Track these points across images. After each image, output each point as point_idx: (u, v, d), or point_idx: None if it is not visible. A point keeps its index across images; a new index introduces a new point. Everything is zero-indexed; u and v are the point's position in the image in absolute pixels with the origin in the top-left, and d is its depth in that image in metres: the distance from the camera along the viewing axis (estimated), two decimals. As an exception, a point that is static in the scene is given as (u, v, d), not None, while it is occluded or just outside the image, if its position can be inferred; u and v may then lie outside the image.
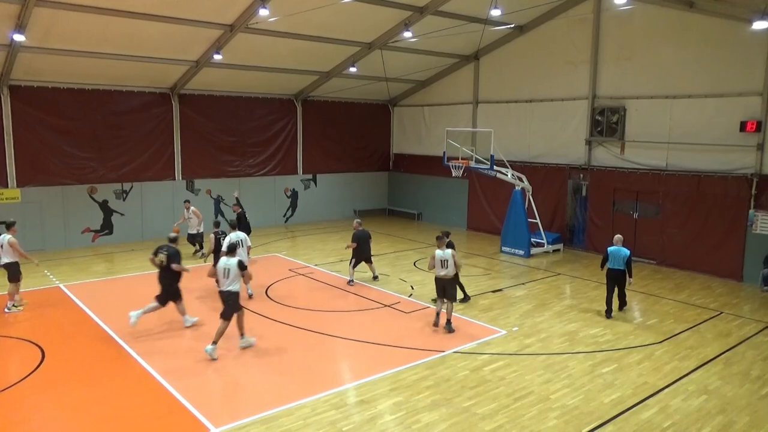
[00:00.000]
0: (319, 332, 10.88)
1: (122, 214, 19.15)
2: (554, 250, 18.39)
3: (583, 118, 18.34)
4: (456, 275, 11.37)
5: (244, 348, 10.00)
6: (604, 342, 10.67)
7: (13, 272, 11.91)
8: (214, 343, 9.66)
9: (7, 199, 16.78)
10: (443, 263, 10.97)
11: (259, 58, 18.42)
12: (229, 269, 9.71)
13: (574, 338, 10.82)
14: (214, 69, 18.10)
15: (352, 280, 14.34)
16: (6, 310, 11.84)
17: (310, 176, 23.69)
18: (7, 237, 11.90)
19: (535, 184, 18.59)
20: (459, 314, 11.75)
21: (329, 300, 13.07)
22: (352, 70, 19.51)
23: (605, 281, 12.34)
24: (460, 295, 12.35)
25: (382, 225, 22.73)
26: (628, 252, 12.01)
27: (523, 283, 14.72)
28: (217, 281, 12.34)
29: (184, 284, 11.11)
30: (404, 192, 25.34)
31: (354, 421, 7.62)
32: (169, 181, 19.95)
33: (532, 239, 17.82)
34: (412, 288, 14.02)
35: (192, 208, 16.86)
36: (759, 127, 14.44)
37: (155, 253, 10.74)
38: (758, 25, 12.19)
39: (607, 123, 17.56)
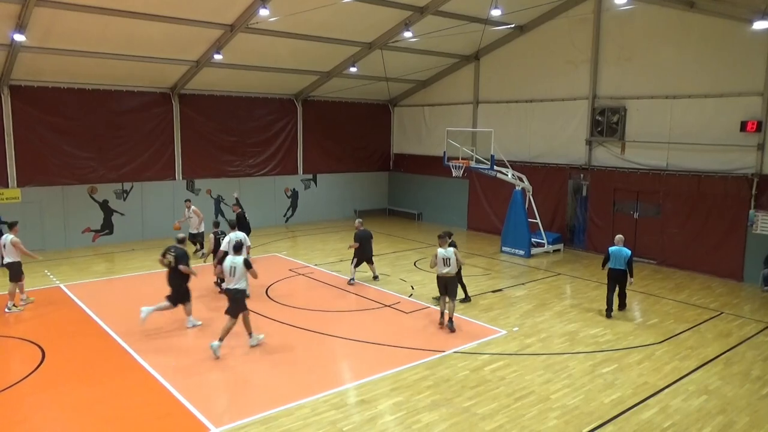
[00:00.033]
0: (320, 332, 10.88)
1: (122, 214, 19.16)
2: (554, 250, 18.38)
3: (583, 118, 18.34)
4: (458, 274, 11.43)
5: (254, 346, 10.03)
6: (605, 342, 10.67)
7: (15, 272, 11.96)
8: (220, 340, 9.72)
9: (7, 199, 16.79)
10: (445, 261, 11.01)
11: (260, 58, 18.43)
12: (235, 267, 9.81)
13: (574, 338, 10.82)
14: (214, 69, 18.11)
15: (353, 279, 14.35)
16: (6, 309, 11.85)
17: (310, 176, 23.69)
18: (9, 237, 11.97)
19: (536, 184, 18.59)
20: (459, 314, 11.74)
21: (329, 300, 13.07)
22: (353, 70, 19.51)
23: (606, 281, 12.35)
24: (460, 294, 12.35)
25: (383, 225, 22.73)
26: (629, 252, 12.02)
27: (523, 283, 14.72)
28: (216, 282, 12.33)
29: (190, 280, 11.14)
30: (404, 192, 25.34)
31: (354, 421, 7.62)
32: (170, 181, 19.96)
33: (532, 239, 17.82)
34: (413, 288, 14.02)
35: (192, 207, 16.83)
36: (759, 127, 14.43)
37: (164, 254, 10.80)
38: (758, 25, 12.18)
39: (607, 123, 17.56)
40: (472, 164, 17.69)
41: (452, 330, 10.96)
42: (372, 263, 14.57)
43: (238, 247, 10.26)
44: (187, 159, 20.23)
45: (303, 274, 15.23)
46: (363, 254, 14.28)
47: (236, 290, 9.85)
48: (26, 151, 17.18)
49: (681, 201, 16.14)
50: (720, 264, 15.39)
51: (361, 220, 15.07)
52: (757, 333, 11.32)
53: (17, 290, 12.19)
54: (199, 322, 11.19)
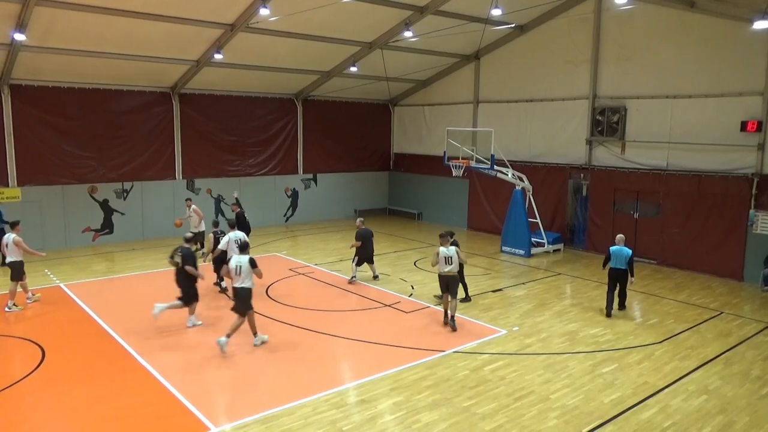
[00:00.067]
0: (320, 332, 10.89)
1: (123, 214, 19.16)
2: (555, 250, 18.38)
3: (583, 117, 18.34)
4: (460, 273, 11.48)
5: (256, 346, 10.05)
6: (605, 342, 10.68)
7: (17, 271, 12.00)
8: (228, 336, 9.80)
9: (7, 198, 16.79)
10: (447, 260, 11.04)
11: (260, 58, 18.42)
12: (240, 266, 9.89)
13: (574, 338, 10.82)
14: (214, 68, 18.10)
15: (355, 277, 14.37)
16: (6, 309, 11.85)
17: (310, 176, 23.69)
18: (12, 236, 12.02)
19: (536, 184, 18.59)
20: (459, 314, 11.73)
21: (329, 299, 13.07)
22: (353, 69, 19.50)
23: (606, 281, 12.36)
24: (461, 294, 12.36)
25: (383, 225, 22.72)
26: (630, 251, 12.03)
27: (523, 283, 14.72)
28: (217, 282, 12.33)
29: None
30: (405, 192, 25.34)
31: (354, 420, 7.63)
32: (170, 181, 19.96)
33: (532, 239, 17.82)
34: (413, 288, 14.03)
35: (193, 206, 16.86)
36: (760, 126, 14.43)
37: (172, 255, 10.85)
38: (759, 24, 12.17)
39: (607, 123, 17.56)
40: (473, 164, 17.69)
41: (454, 329, 10.98)
42: (372, 263, 14.57)
43: (244, 247, 10.33)
44: (187, 158, 20.24)
45: (303, 274, 15.23)
46: (364, 253, 14.29)
47: (242, 289, 9.94)
48: (26, 151, 17.19)
49: (681, 201, 16.13)
50: (720, 264, 15.39)
51: (362, 218, 15.08)
52: (757, 333, 11.32)
53: (21, 289, 12.23)
54: (200, 322, 11.19)
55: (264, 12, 13.90)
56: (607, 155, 17.90)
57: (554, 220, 19.29)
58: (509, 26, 18.99)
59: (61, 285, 13.90)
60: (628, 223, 17.13)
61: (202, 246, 16.49)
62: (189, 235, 11.73)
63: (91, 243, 18.59)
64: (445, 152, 18.33)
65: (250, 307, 10.06)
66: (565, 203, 19.27)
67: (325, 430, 7.36)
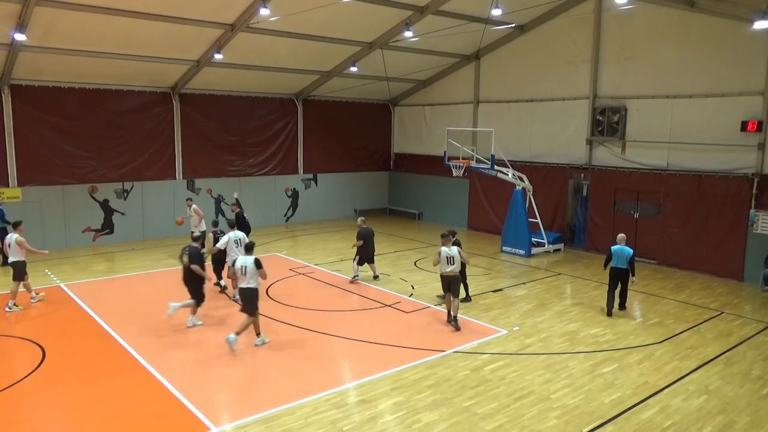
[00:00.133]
0: (320, 332, 10.88)
1: (123, 214, 19.16)
2: (555, 250, 18.38)
3: (583, 117, 18.34)
4: (462, 273, 11.48)
5: (258, 345, 10.08)
6: (605, 342, 10.67)
7: (19, 271, 12.04)
8: (237, 333, 9.87)
9: (7, 198, 16.78)
10: (449, 260, 11.05)
11: (260, 58, 18.43)
12: (246, 267, 9.93)
13: (574, 338, 10.82)
14: (214, 68, 18.11)
15: (357, 276, 14.39)
16: (7, 309, 11.86)
17: (310, 176, 23.69)
18: (14, 236, 12.05)
19: (536, 184, 18.59)
20: (460, 313, 11.71)
21: (330, 299, 13.07)
22: (353, 69, 19.50)
23: (607, 281, 12.37)
24: (462, 294, 12.35)
25: (383, 224, 22.71)
26: (631, 251, 12.04)
27: (523, 283, 14.72)
28: (217, 282, 12.30)
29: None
30: (405, 192, 25.34)
31: (354, 420, 7.63)
32: (170, 181, 19.96)
33: (532, 239, 17.81)
34: (413, 288, 14.02)
35: (194, 206, 16.87)
36: (760, 126, 14.43)
37: (181, 255, 10.96)
38: (759, 24, 12.16)
39: (607, 123, 17.56)
40: (473, 164, 17.69)
41: (457, 328, 11.00)
42: (373, 262, 14.58)
43: (249, 247, 10.37)
44: (187, 158, 20.24)
45: (303, 274, 15.23)
46: (365, 252, 14.30)
47: (248, 289, 9.99)
48: (27, 151, 17.19)
49: (681, 201, 16.13)
50: (720, 264, 15.38)
51: (363, 218, 15.09)
52: (758, 333, 11.31)
53: (24, 289, 12.27)
54: (200, 322, 11.19)
55: (264, 12, 13.90)
56: (607, 155, 17.90)
57: (554, 220, 19.29)
58: (509, 26, 18.98)
59: (62, 285, 13.90)
60: (629, 223, 17.13)
61: (203, 246, 16.50)
62: (197, 234, 11.84)
63: (91, 243, 18.60)
64: (445, 152, 18.33)
65: (256, 308, 10.10)
66: (565, 203, 19.27)
67: (325, 430, 7.36)
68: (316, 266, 16.07)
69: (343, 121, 24.09)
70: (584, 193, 18.74)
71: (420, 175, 24.33)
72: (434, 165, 22.11)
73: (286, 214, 23.17)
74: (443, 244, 11.25)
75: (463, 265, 11.66)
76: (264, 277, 10.02)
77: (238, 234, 12.54)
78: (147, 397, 8.28)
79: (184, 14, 14.68)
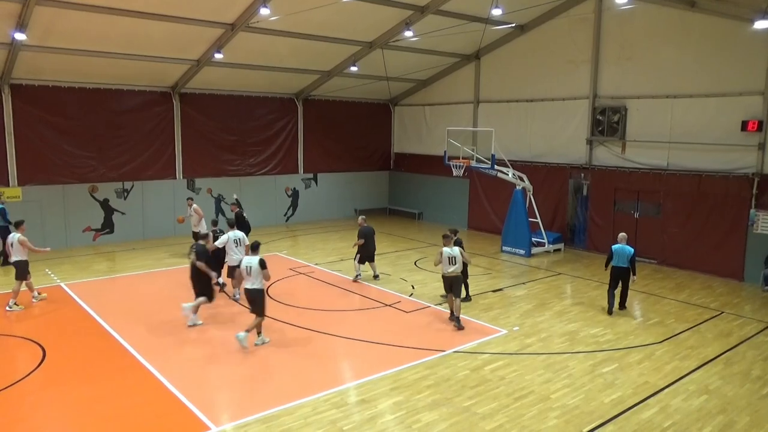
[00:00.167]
0: (320, 331, 10.89)
1: (123, 213, 19.17)
2: (555, 250, 18.38)
3: (584, 117, 18.33)
4: (464, 273, 11.48)
5: (258, 345, 10.08)
6: (605, 342, 10.67)
7: (22, 270, 12.08)
8: (247, 332, 9.94)
9: (8, 197, 16.78)
10: (451, 260, 11.05)
11: (260, 57, 18.42)
12: (251, 267, 9.96)
13: (574, 338, 10.82)
14: (215, 68, 18.11)
15: (359, 275, 14.40)
16: (7, 308, 11.87)
17: (310, 175, 23.69)
18: (17, 236, 12.09)
19: (536, 184, 18.58)
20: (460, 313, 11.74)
21: (330, 299, 13.08)
22: (353, 69, 19.50)
23: (608, 281, 12.38)
24: (462, 293, 12.36)
25: (383, 224, 22.71)
26: (632, 250, 12.05)
27: (523, 283, 14.72)
28: (216, 282, 12.29)
29: (188, 281, 11.19)
30: (405, 191, 25.33)
31: (354, 420, 7.63)
32: (170, 180, 19.97)
33: (532, 239, 17.81)
34: (413, 287, 14.03)
35: (194, 205, 16.91)
36: (760, 126, 14.42)
37: (189, 253, 11.06)
38: (759, 24, 12.16)
39: (608, 122, 17.56)
40: (473, 164, 17.69)
41: (460, 327, 11.00)
42: (373, 261, 14.58)
43: (255, 247, 10.39)
44: (187, 158, 20.24)
45: (303, 274, 15.23)
46: (366, 251, 14.30)
47: (253, 290, 10.02)
48: (27, 150, 17.19)
49: (682, 200, 16.13)
50: (721, 264, 15.38)
51: (364, 216, 15.09)
52: (758, 333, 11.31)
53: (26, 288, 12.30)
54: (200, 322, 11.19)
55: (264, 12, 13.90)
56: (607, 155, 17.90)
57: (555, 219, 19.29)
58: (509, 26, 18.98)
59: (62, 284, 13.90)
60: (629, 222, 17.12)
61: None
62: (204, 231, 11.95)
63: (91, 242, 18.60)
64: (445, 152, 18.33)
65: (264, 308, 10.16)
66: (565, 203, 19.26)
67: (325, 430, 7.36)
68: (316, 266, 16.07)
69: (344, 121, 24.09)
70: (584, 192, 18.74)
71: (420, 174, 24.33)
72: (434, 165, 22.11)
73: (286, 214, 23.18)
74: (445, 245, 11.26)
75: (465, 265, 11.67)
76: (267, 278, 10.02)
77: (238, 233, 12.57)
78: (147, 396, 8.28)
79: (184, 14, 14.68)
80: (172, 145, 19.87)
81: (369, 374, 9.02)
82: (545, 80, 19.26)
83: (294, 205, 23.36)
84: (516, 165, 18.55)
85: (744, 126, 14.60)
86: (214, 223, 14.51)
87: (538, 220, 18.15)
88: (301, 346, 10.22)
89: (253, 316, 10.17)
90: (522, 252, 17.67)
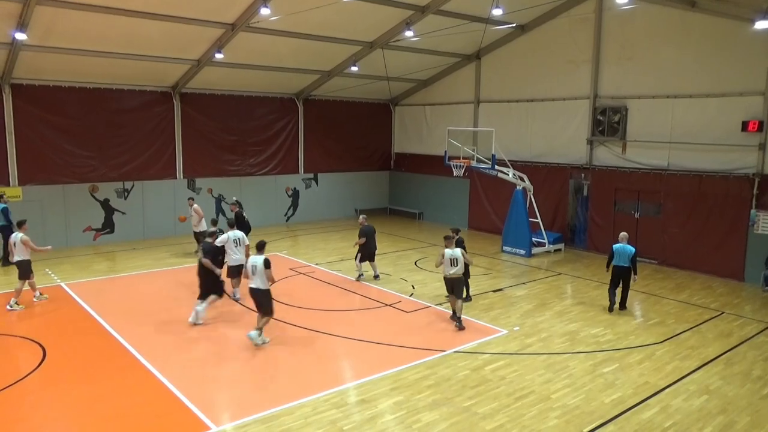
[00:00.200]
0: (320, 331, 10.89)
1: (123, 213, 19.17)
2: (555, 250, 18.37)
3: (584, 117, 18.33)
4: (466, 273, 11.45)
5: (258, 345, 10.07)
6: (605, 342, 10.67)
7: (25, 269, 12.11)
8: (258, 329, 10.05)
9: (9, 197, 16.78)
10: (452, 262, 11.05)
11: (261, 57, 18.42)
12: (256, 266, 10.01)
13: (574, 338, 10.82)
14: (215, 68, 18.10)
15: (362, 275, 14.41)
16: (8, 307, 11.88)
17: (311, 175, 23.69)
18: (19, 235, 12.12)
19: (537, 184, 18.58)
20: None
21: (330, 299, 13.07)
22: (354, 69, 19.50)
23: (608, 281, 12.38)
24: (463, 293, 12.37)
25: (384, 224, 22.69)
26: (633, 249, 12.07)
27: (524, 283, 14.71)
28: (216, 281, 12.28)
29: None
30: (405, 191, 25.33)
31: (354, 420, 7.63)
32: (170, 180, 19.96)
33: (533, 239, 17.81)
34: (413, 287, 14.02)
35: (195, 205, 16.94)
36: (761, 126, 14.41)
37: (197, 251, 11.17)
38: (760, 24, 12.14)
39: (608, 122, 17.55)
40: (473, 164, 17.69)
41: (461, 327, 11.01)
42: (374, 260, 14.58)
43: (261, 246, 10.41)
44: (188, 158, 20.24)
45: (304, 274, 15.23)
46: (368, 249, 14.31)
47: (257, 290, 10.07)
48: (27, 150, 17.20)
49: (682, 201, 16.12)
50: (721, 264, 15.37)
51: (364, 215, 15.09)
52: (758, 333, 11.31)
53: (29, 288, 12.31)
54: (201, 321, 11.18)
55: (265, 11, 13.89)
56: (608, 155, 17.89)
57: (555, 219, 19.28)
58: (510, 26, 18.98)
59: (62, 284, 13.90)
60: (629, 222, 17.11)
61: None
62: (212, 229, 12.07)
63: (92, 242, 18.60)
64: (446, 152, 18.33)
65: (271, 308, 10.23)
66: (566, 203, 19.26)
67: (325, 430, 7.36)
68: (316, 266, 16.06)
69: (344, 121, 24.09)
70: (585, 193, 18.73)
71: (420, 174, 24.33)
72: (435, 165, 22.10)
73: (286, 214, 23.18)
74: (446, 246, 11.26)
75: (466, 266, 11.66)
76: (269, 278, 10.02)
77: (237, 233, 12.57)
78: (147, 396, 8.28)
79: (184, 14, 14.68)
80: (172, 145, 19.87)
81: (369, 374, 9.01)
82: (546, 80, 19.26)
83: (294, 205, 23.36)
84: (516, 165, 18.55)
85: (744, 126, 14.59)
86: (214, 222, 14.53)
87: (539, 220, 18.14)
88: (302, 346, 10.22)
89: (258, 314, 10.20)
90: (522, 252, 17.67)
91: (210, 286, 11.25)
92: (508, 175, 17.66)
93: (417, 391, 8.45)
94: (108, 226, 18.95)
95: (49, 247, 13.14)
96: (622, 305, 12.43)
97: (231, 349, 9.98)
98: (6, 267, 15.33)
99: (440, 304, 12.57)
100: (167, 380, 8.70)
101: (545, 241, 18.14)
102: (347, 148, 24.38)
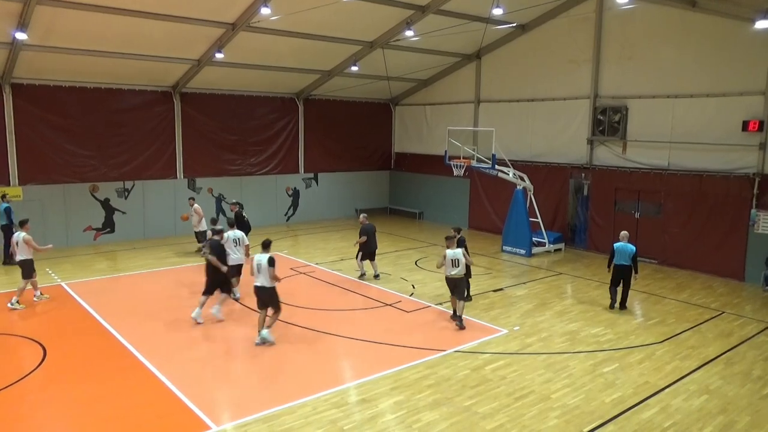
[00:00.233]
0: (320, 331, 10.89)
1: (124, 213, 19.18)
2: (555, 250, 18.37)
3: (584, 117, 18.33)
4: (467, 274, 11.46)
5: (258, 344, 10.08)
6: (605, 341, 10.67)
7: (28, 269, 12.12)
8: (268, 327, 10.13)
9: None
10: (454, 262, 11.07)
11: (261, 57, 18.42)
12: (260, 264, 10.03)
13: (575, 338, 10.82)
14: (215, 67, 18.11)
15: (364, 273, 14.41)
16: (9, 304, 11.91)
17: (311, 175, 23.70)
18: (21, 235, 12.13)
19: (537, 184, 18.58)
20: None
21: (330, 299, 13.08)
22: (354, 68, 19.51)
23: (608, 281, 12.39)
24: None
25: (384, 224, 22.67)
26: (634, 248, 12.09)
27: (524, 283, 14.71)
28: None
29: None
30: (406, 191, 25.33)
31: (355, 420, 7.63)
32: (171, 180, 19.97)
33: (533, 238, 17.81)
34: (414, 287, 14.02)
35: (195, 205, 16.95)
36: (761, 126, 14.41)
37: (202, 248, 11.27)
38: (761, 24, 12.15)
39: (608, 122, 17.55)
40: (474, 163, 17.68)
41: (461, 327, 11.02)
42: (374, 259, 14.59)
43: (266, 245, 10.45)
44: (188, 158, 20.24)
45: (304, 273, 15.23)
46: (368, 248, 14.32)
47: (262, 288, 10.09)
48: (28, 150, 17.20)
49: (682, 200, 16.12)
50: (721, 264, 15.37)
51: (365, 214, 15.10)
52: (759, 333, 11.31)
53: (32, 287, 12.34)
54: (201, 321, 11.15)
55: (265, 11, 13.89)
56: (608, 155, 17.89)
57: (555, 219, 19.28)
58: (510, 26, 18.97)
59: (63, 284, 13.91)
60: (630, 222, 17.10)
61: (204, 246, 16.56)
62: (219, 227, 12.19)
63: (92, 242, 18.61)
64: (446, 152, 18.33)
65: (279, 304, 10.25)
66: (566, 203, 19.26)
67: (325, 429, 7.37)
68: (316, 265, 16.07)
69: (344, 121, 24.09)
70: (585, 192, 18.73)
71: (421, 174, 24.33)
72: (435, 164, 22.10)
73: (286, 214, 23.18)
74: (447, 246, 11.28)
75: (467, 266, 11.67)
76: (272, 276, 10.03)
77: (237, 233, 12.57)
78: (148, 396, 8.29)
79: (185, 13, 14.68)
80: (172, 145, 19.88)
81: (369, 374, 9.02)
82: (546, 80, 19.26)
83: (295, 204, 23.36)
84: (517, 165, 18.55)
85: (745, 126, 14.59)
86: (213, 221, 14.52)
87: (539, 219, 18.14)
88: (302, 346, 10.22)
89: (258, 313, 10.25)
90: (522, 252, 17.67)
91: (219, 283, 11.37)
92: (508, 174, 17.66)
93: (417, 391, 8.45)
94: (108, 225, 18.96)
95: (50, 246, 13.17)
96: (623, 305, 12.44)
97: (231, 349, 9.99)
98: (6, 266, 15.35)
99: (440, 303, 12.57)
100: (167, 380, 8.71)
101: (545, 240, 18.14)
102: (347, 148, 24.38)
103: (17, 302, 11.97)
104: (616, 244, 12.22)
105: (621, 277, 12.22)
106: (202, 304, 11.21)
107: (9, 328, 10.92)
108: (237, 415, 7.68)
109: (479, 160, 17.64)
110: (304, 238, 20.38)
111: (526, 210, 17.73)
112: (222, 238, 11.92)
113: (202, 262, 14.21)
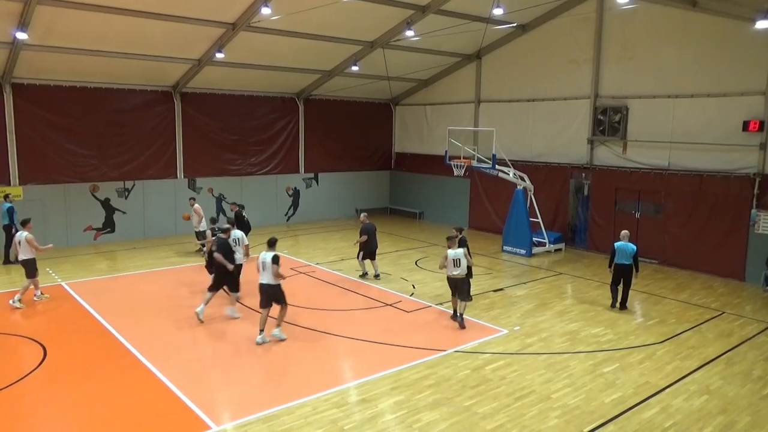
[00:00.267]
0: (321, 331, 10.89)
1: (124, 212, 19.18)
2: (556, 250, 18.37)
3: (585, 117, 18.32)
4: (468, 274, 11.51)
5: (259, 344, 10.09)
6: (606, 342, 10.67)
7: (31, 268, 12.15)
8: (278, 326, 10.30)
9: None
10: (456, 263, 11.08)
11: (261, 57, 18.43)
12: (265, 262, 10.09)
13: (575, 338, 10.81)
14: (216, 67, 18.11)
15: (366, 273, 14.41)
16: (10, 302, 11.93)
17: (311, 175, 23.69)
18: (24, 234, 12.14)
19: (537, 184, 18.57)
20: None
21: (330, 299, 13.08)
22: (354, 68, 19.50)
23: (608, 281, 12.38)
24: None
25: (384, 224, 22.66)
26: (635, 247, 12.10)
27: (524, 283, 14.71)
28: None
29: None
30: (406, 191, 25.33)
31: (355, 419, 7.63)
32: (171, 180, 19.97)
33: (533, 238, 17.80)
34: (414, 287, 14.02)
35: (195, 205, 16.95)
36: (761, 126, 14.41)
37: (198, 250, 11.29)
38: (761, 24, 12.13)
39: (609, 122, 17.54)
40: (474, 163, 17.68)
41: (462, 327, 11.03)
42: (374, 259, 14.59)
43: (272, 243, 10.48)
44: (188, 157, 20.25)
45: (304, 273, 15.23)
46: (369, 247, 14.32)
47: (266, 285, 10.15)
48: (28, 149, 17.21)
49: (683, 200, 16.12)
50: (722, 264, 15.37)
51: (366, 213, 15.11)
52: (759, 333, 11.30)
53: (33, 286, 12.34)
54: (201, 319, 11.16)
55: (265, 11, 13.89)
56: (608, 155, 17.88)
57: (555, 219, 19.28)
58: (511, 26, 18.97)
59: (63, 283, 13.91)
60: (630, 222, 17.09)
61: (203, 245, 16.55)
62: (225, 225, 12.26)
63: (92, 242, 18.61)
64: (446, 152, 18.32)
65: (284, 300, 10.35)
66: (566, 203, 19.25)
67: (325, 429, 7.36)
68: (317, 265, 16.07)
69: (344, 121, 24.09)
70: (585, 192, 18.73)
71: (421, 174, 24.33)
72: (435, 164, 22.10)
73: (287, 214, 23.18)
74: (449, 247, 11.28)
75: (468, 266, 11.66)
76: (275, 274, 10.03)
77: (237, 233, 12.57)
78: (148, 395, 8.29)
79: (185, 13, 14.69)
80: (173, 145, 19.88)
81: (369, 374, 9.02)
82: (546, 80, 19.25)
83: (295, 204, 23.36)
84: (517, 165, 18.55)
85: (745, 126, 14.59)
86: (213, 221, 14.55)
87: (539, 219, 18.14)
88: (302, 346, 10.21)
89: (277, 310, 10.36)
90: (523, 252, 17.66)
91: (226, 282, 11.45)
92: (508, 174, 17.66)
93: (417, 391, 8.45)
94: (108, 225, 18.96)
95: (51, 245, 13.17)
96: (623, 304, 12.44)
97: (231, 349, 9.98)
98: (6, 266, 15.36)
99: (440, 303, 12.57)
100: (167, 379, 8.71)
101: (546, 240, 18.13)
102: (348, 148, 24.38)
103: (19, 301, 11.97)
104: (616, 243, 12.24)
105: (622, 276, 12.24)
106: (207, 301, 11.22)
107: (9, 328, 10.92)
108: (237, 415, 7.68)
109: (479, 160, 17.63)
110: (305, 238, 20.38)
111: (526, 210, 17.73)
112: (229, 236, 11.95)
113: (202, 262, 14.27)
